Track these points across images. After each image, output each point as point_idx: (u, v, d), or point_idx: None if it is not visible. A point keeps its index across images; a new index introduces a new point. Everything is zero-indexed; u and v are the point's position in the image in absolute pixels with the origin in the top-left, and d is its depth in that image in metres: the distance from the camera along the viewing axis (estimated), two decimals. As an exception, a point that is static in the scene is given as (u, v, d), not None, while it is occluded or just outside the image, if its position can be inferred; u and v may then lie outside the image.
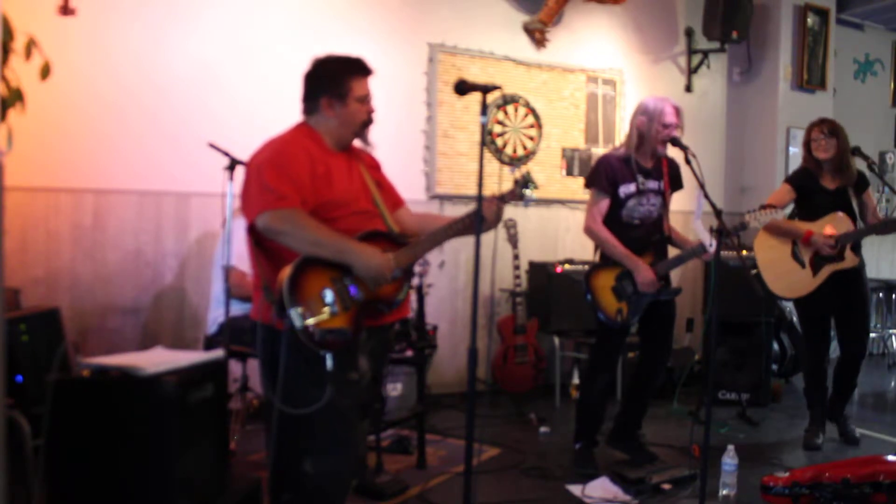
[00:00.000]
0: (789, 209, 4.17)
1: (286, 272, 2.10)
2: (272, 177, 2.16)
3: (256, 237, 2.22)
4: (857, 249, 3.90)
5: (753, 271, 3.93)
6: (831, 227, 3.83)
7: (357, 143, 2.42)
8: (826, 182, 3.91)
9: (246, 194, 2.24)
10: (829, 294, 3.85)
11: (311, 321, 2.10)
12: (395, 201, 2.52)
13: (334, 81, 2.31)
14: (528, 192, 2.34)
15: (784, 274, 3.91)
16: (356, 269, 2.17)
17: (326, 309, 2.14)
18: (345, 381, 2.22)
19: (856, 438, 4.03)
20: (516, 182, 2.35)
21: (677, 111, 3.40)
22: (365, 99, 2.33)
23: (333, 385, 2.13)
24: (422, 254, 2.37)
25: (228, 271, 3.40)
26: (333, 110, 2.31)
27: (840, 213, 3.86)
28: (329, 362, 2.13)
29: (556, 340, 4.90)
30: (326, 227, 2.18)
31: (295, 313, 2.08)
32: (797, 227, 3.90)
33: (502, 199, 2.34)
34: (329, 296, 2.15)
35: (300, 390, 2.17)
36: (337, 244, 2.17)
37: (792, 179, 4.03)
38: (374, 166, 2.51)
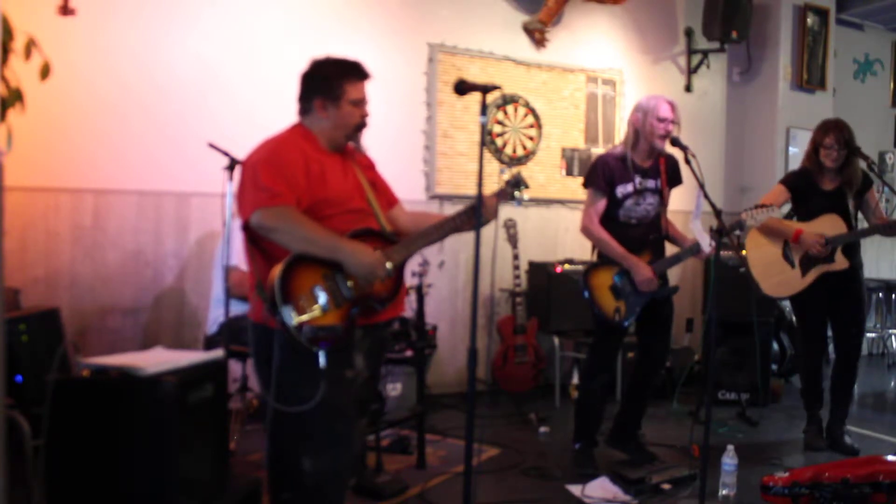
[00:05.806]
0: (786, 208, 4.17)
1: (277, 270, 2.10)
2: (267, 175, 2.17)
3: (251, 236, 2.23)
4: (853, 251, 3.87)
5: (741, 269, 3.92)
6: (821, 227, 3.82)
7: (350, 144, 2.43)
8: (824, 184, 3.89)
9: (241, 193, 2.26)
10: (825, 295, 3.84)
11: (302, 318, 2.10)
12: (389, 200, 2.53)
13: (329, 83, 2.31)
14: (518, 193, 2.38)
15: (773, 273, 3.91)
16: (348, 266, 2.17)
17: (318, 306, 2.14)
18: (340, 378, 2.22)
19: (854, 449, 3.87)
20: (507, 183, 2.38)
21: (672, 107, 3.41)
22: (359, 102, 2.33)
23: (327, 382, 2.13)
24: (415, 251, 2.37)
25: (228, 271, 3.40)
26: (326, 112, 2.32)
27: (834, 215, 3.84)
28: (322, 360, 2.13)
29: (556, 340, 4.90)
30: (319, 225, 2.19)
31: (286, 311, 2.08)
32: (788, 226, 3.89)
33: (498, 196, 2.36)
34: (320, 293, 2.15)
35: (295, 388, 2.17)
36: (329, 242, 2.17)
37: (786, 181, 4.01)
38: (369, 166, 2.52)
